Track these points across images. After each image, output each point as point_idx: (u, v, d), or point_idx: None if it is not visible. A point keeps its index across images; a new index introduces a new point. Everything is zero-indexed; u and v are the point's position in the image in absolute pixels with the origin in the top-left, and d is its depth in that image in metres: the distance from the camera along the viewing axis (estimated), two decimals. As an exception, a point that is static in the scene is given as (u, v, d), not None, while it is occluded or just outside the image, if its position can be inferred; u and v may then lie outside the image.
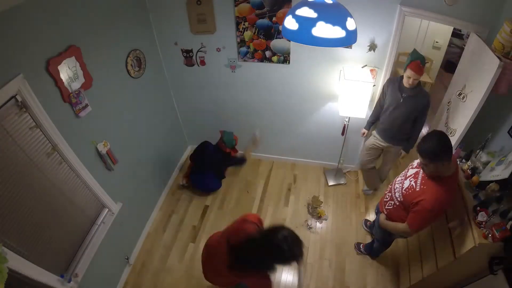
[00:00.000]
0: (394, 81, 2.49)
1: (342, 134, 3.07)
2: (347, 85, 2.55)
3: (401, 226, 1.88)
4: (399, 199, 1.92)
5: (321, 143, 3.43)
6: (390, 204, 2.02)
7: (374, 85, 2.61)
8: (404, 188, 1.88)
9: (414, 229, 1.80)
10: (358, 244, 2.85)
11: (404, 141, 2.66)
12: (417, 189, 1.77)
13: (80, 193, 2.13)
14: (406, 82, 2.33)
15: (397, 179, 2.05)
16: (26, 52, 1.61)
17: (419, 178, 1.80)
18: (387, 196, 2.08)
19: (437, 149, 1.59)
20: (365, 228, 3.02)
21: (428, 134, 1.71)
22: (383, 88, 2.59)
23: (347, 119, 2.92)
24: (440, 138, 1.61)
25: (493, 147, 2.10)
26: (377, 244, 2.54)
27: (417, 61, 2.21)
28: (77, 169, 2.02)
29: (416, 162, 1.93)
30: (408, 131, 2.58)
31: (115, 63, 2.38)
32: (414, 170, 1.90)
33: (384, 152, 2.87)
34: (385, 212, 2.06)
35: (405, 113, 2.44)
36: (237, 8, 2.55)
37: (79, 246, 2.16)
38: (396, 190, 1.98)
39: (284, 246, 1.38)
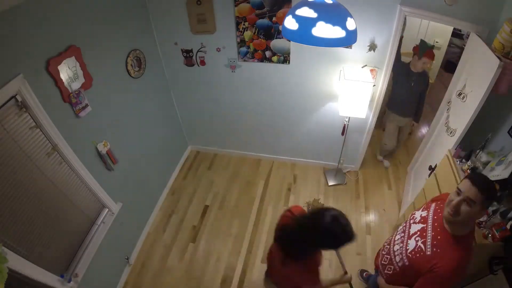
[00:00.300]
0: (401, 67, 2.99)
1: (342, 134, 3.07)
2: (347, 85, 2.55)
3: None
4: (400, 264, 1.51)
5: (321, 143, 3.43)
6: (389, 269, 1.62)
7: (374, 85, 2.61)
8: (409, 251, 1.46)
9: None
10: (362, 271, 2.64)
11: (413, 114, 3.26)
12: (428, 253, 1.37)
13: (80, 193, 2.13)
14: (419, 68, 2.93)
15: (396, 238, 1.63)
16: (26, 52, 1.61)
17: (429, 238, 1.40)
18: (385, 259, 1.66)
19: (493, 186, 1.28)
20: (361, 279, 2.65)
21: (477, 174, 1.56)
22: (392, 75, 2.91)
23: (347, 119, 2.92)
24: (490, 180, 1.34)
25: (493, 147, 2.10)
26: None
27: (431, 49, 2.85)
28: (77, 169, 2.02)
29: (418, 215, 1.55)
30: (416, 105, 3.19)
31: (115, 63, 2.38)
32: (419, 226, 1.48)
33: (401, 128, 3.42)
34: (384, 277, 1.67)
35: (416, 92, 3.06)
36: (237, 8, 2.55)
37: (79, 246, 2.16)
38: (396, 253, 1.56)
39: (335, 228, 1.30)
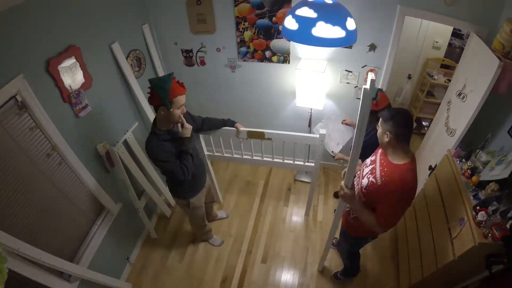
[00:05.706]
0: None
1: (309, 125, 3.07)
2: (300, 75, 2.63)
3: (371, 219, 1.60)
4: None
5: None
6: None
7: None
8: (363, 188, 1.65)
9: (381, 222, 1.54)
10: (335, 274, 2.61)
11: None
12: (379, 183, 1.53)
13: (80, 193, 2.13)
14: None
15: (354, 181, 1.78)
16: (26, 52, 1.61)
17: (378, 172, 1.58)
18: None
19: (390, 114, 1.52)
20: (333, 247, 2.79)
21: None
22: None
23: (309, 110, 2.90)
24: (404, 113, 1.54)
25: (493, 147, 2.10)
26: (348, 262, 2.37)
27: None
28: (77, 169, 2.02)
29: (369, 160, 1.75)
30: None
31: (115, 63, 2.38)
32: (370, 167, 1.67)
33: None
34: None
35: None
36: (237, 8, 2.55)
37: (79, 246, 2.16)
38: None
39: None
